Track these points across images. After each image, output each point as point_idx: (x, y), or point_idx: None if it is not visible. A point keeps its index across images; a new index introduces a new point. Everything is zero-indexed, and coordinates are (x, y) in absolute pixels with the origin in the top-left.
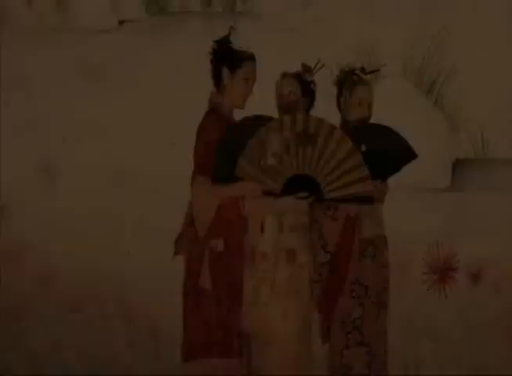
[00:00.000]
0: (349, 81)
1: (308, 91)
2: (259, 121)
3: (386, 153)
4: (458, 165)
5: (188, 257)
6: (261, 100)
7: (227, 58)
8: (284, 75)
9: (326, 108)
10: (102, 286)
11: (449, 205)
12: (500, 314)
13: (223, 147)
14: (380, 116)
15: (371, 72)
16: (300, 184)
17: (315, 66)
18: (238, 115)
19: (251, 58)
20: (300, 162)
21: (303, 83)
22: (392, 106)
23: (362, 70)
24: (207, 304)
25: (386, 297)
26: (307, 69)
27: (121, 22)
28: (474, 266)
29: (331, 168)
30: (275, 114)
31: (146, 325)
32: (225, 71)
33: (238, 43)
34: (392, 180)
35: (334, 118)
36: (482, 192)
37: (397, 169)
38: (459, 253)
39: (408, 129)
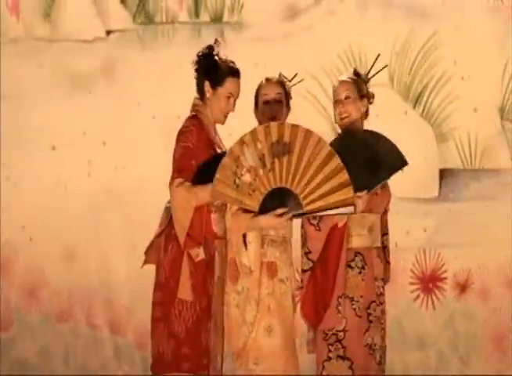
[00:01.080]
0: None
1: (288, 101)
2: None
3: (377, 160)
4: (445, 175)
5: (158, 266)
6: (248, 109)
7: (210, 73)
8: (269, 79)
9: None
10: (89, 296)
11: (437, 215)
12: (488, 324)
13: (203, 173)
14: (367, 126)
15: (374, 75)
16: (278, 198)
17: (293, 78)
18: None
19: (235, 73)
20: (276, 175)
21: (286, 93)
22: (379, 117)
23: (355, 72)
24: (178, 316)
25: (378, 311)
26: (285, 79)
27: (109, 32)
28: (462, 276)
29: (309, 177)
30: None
31: (132, 335)
32: (207, 86)
33: (223, 53)
34: None
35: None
36: (470, 202)
37: (387, 177)
38: (447, 263)
39: (395, 139)
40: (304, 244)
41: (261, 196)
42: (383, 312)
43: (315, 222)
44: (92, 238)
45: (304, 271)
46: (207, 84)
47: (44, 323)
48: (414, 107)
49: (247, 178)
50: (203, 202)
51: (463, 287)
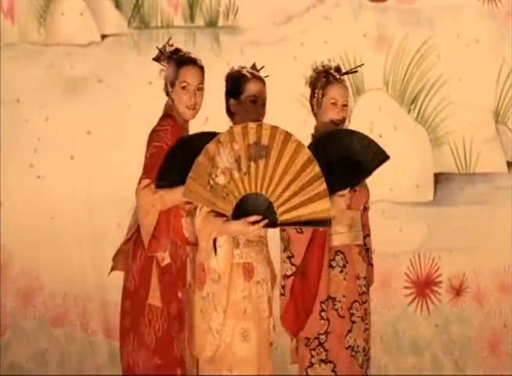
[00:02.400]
0: (322, 80)
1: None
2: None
3: (355, 157)
4: (440, 179)
5: (127, 274)
6: None
7: (166, 69)
8: (259, 79)
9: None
10: (84, 300)
11: (432, 219)
12: (482, 327)
13: (170, 159)
14: (361, 131)
15: (348, 72)
16: (252, 204)
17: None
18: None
19: (187, 62)
20: (252, 179)
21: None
22: (374, 121)
23: (337, 69)
24: (147, 325)
25: (361, 311)
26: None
27: (104, 36)
28: (456, 280)
29: (285, 184)
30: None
31: None
32: (168, 84)
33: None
34: (375, 194)
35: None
36: (465, 206)
37: (368, 173)
38: (442, 267)
39: (390, 144)
40: (286, 247)
41: (234, 200)
42: (366, 312)
43: None
44: (88, 242)
45: (286, 276)
46: (168, 83)
47: (39, 328)
48: (409, 112)
49: (222, 179)
50: (170, 205)
51: (457, 291)
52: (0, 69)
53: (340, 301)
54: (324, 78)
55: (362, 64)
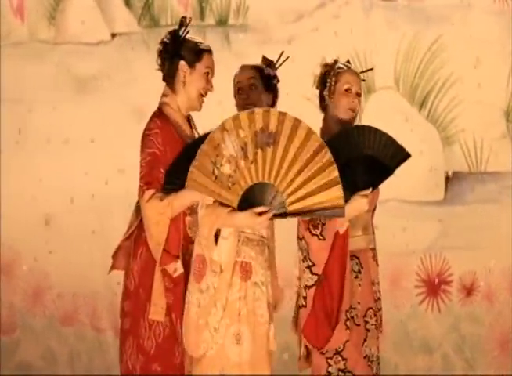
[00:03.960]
0: (334, 68)
1: (270, 86)
2: None
3: (375, 156)
4: (451, 178)
5: (127, 273)
6: None
7: (183, 51)
8: (243, 67)
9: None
10: (93, 299)
11: (443, 218)
12: (493, 327)
13: (178, 163)
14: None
15: (364, 71)
16: (260, 194)
17: (278, 58)
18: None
19: (209, 51)
20: (259, 168)
21: (265, 77)
22: (385, 120)
23: (348, 62)
24: (147, 329)
25: (375, 318)
26: (268, 62)
27: (114, 35)
28: (467, 279)
29: (295, 172)
30: None
31: None
32: (183, 66)
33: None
34: (385, 192)
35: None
36: (475, 205)
37: (390, 172)
38: (452, 266)
39: (401, 142)
40: (305, 257)
41: (240, 190)
42: (380, 319)
43: (317, 231)
44: (96, 241)
45: (307, 287)
46: (182, 64)
47: (48, 327)
48: (420, 110)
49: (227, 169)
50: (179, 210)
51: (468, 291)
52: (9, 67)
53: (355, 308)
54: (336, 67)
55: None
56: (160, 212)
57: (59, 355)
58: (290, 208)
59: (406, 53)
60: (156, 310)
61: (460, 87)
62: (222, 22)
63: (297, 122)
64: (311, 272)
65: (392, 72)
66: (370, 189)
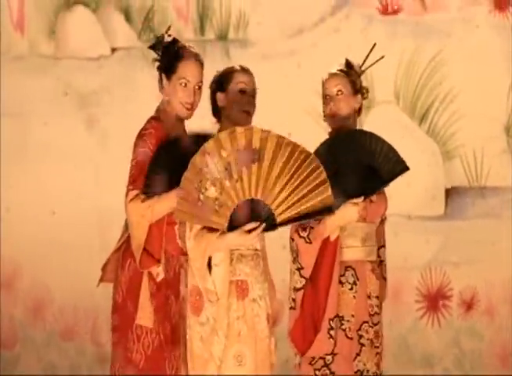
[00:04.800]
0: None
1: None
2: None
3: (373, 163)
4: (451, 193)
5: (115, 285)
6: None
7: (163, 61)
8: (244, 69)
9: None
10: (93, 313)
11: (443, 233)
12: (494, 341)
13: (154, 165)
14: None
15: (367, 67)
16: (248, 211)
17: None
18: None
19: (189, 56)
20: (245, 185)
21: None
22: (385, 134)
23: (348, 64)
24: (136, 341)
25: (371, 333)
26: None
27: (114, 49)
28: (467, 294)
29: (282, 184)
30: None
31: None
32: (164, 78)
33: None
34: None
35: None
36: (476, 219)
37: (386, 183)
38: (453, 281)
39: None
40: (295, 259)
41: (228, 211)
42: (377, 334)
43: (304, 234)
44: (97, 255)
45: (296, 289)
46: (163, 76)
47: (48, 341)
48: (420, 125)
49: (212, 192)
50: (159, 216)
51: (468, 305)
52: (9, 82)
53: (348, 320)
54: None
55: (383, 56)
56: (141, 214)
57: (60, 369)
58: (280, 218)
59: (406, 67)
60: (144, 315)
61: (461, 101)
62: (222, 36)
63: (281, 139)
64: (300, 275)
65: (392, 86)
66: (362, 198)
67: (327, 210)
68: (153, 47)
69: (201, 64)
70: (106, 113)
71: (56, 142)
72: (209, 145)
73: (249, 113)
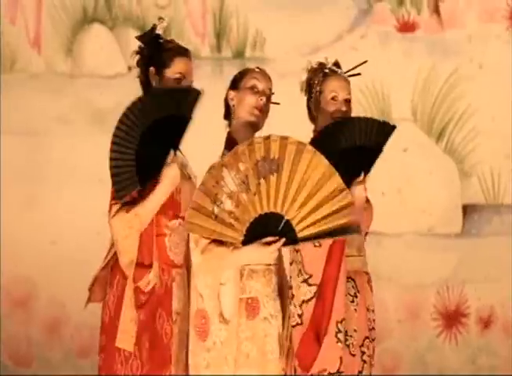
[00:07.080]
0: (319, 76)
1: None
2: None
3: (362, 143)
4: (468, 210)
5: (104, 305)
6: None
7: (154, 56)
8: (261, 70)
9: None
10: None
11: (460, 250)
12: (510, 359)
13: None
14: (390, 162)
15: (352, 75)
16: (266, 225)
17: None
18: None
19: (184, 53)
20: (263, 198)
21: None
22: (402, 152)
23: (336, 64)
24: (124, 364)
25: (371, 349)
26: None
27: (130, 67)
28: (485, 312)
29: (303, 198)
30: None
31: None
32: (152, 72)
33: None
34: (403, 225)
35: None
36: (493, 237)
37: (378, 151)
38: (470, 298)
39: (418, 175)
40: (300, 270)
41: (244, 225)
42: (374, 351)
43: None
44: None
45: (305, 302)
46: (151, 70)
47: (65, 359)
48: (437, 143)
49: (228, 205)
50: (148, 221)
51: (486, 323)
52: (26, 100)
53: (351, 336)
54: (321, 74)
55: (366, 61)
56: (129, 225)
57: None
58: (301, 235)
59: (423, 85)
60: (125, 337)
61: (478, 119)
62: (239, 54)
63: (300, 146)
64: (309, 284)
65: (409, 104)
66: (363, 175)
67: (354, 230)
68: (141, 38)
69: (191, 60)
70: None
71: (73, 161)
72: (227, 158)
73: (261, 110)
